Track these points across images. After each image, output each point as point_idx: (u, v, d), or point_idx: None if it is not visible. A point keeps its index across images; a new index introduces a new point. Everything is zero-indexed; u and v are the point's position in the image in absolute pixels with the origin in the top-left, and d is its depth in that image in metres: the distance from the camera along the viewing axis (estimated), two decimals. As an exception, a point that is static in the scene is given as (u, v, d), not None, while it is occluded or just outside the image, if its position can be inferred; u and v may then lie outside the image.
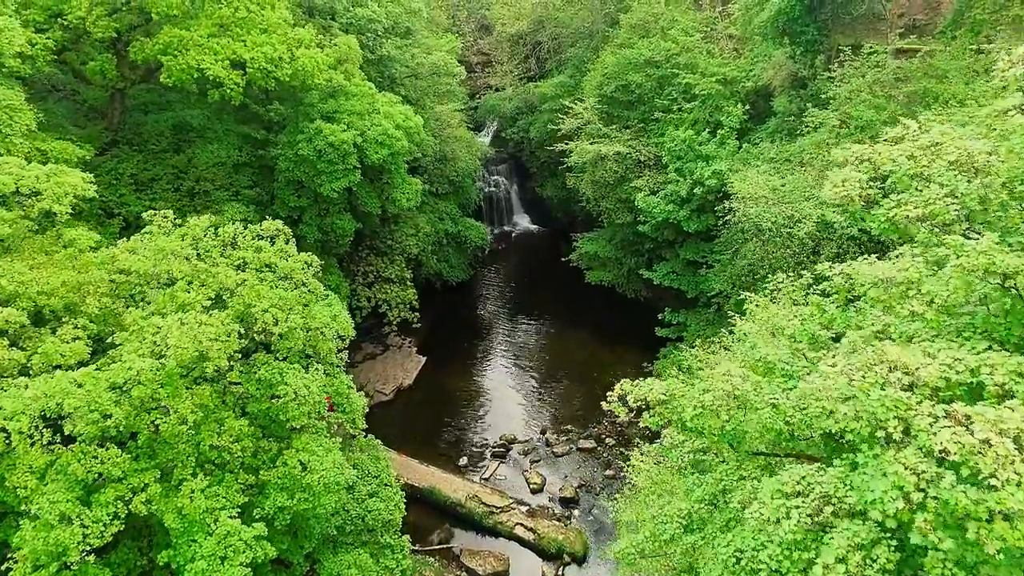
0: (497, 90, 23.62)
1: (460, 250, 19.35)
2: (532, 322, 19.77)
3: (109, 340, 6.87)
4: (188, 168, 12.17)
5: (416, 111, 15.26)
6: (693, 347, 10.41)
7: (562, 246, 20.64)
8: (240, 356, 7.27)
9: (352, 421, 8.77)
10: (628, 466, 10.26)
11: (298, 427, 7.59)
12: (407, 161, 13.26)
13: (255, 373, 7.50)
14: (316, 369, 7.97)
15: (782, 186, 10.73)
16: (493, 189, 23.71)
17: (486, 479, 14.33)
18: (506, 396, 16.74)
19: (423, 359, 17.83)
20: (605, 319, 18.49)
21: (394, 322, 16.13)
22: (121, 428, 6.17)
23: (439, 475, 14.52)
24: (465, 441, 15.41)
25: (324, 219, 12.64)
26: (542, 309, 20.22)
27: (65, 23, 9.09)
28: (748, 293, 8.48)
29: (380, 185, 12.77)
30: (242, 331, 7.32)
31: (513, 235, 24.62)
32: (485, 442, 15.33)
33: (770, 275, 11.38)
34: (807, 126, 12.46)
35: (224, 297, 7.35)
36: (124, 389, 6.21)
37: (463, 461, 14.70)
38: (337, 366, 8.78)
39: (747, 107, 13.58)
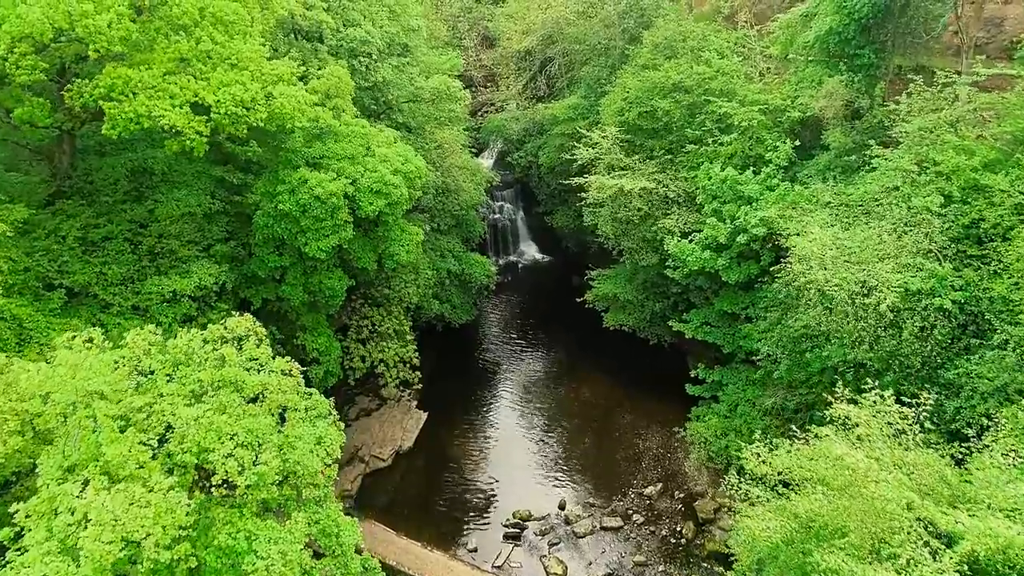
0: (500, 109, 21.69)
1: (464, 289, 17.40)
2: (544, 369, 17.78)
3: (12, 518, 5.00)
4: (149, 221, 10.14)
5: (415, 140, 13.28)
6: (750, 438, 8.43)
7: (574, 279, 18.61)
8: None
9: (344, 567, 6.86)
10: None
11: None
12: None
13: (212, 540, 5.65)
14: (296, 520, 6.13)
15: (858, 248, 8.81)
16: (498, 216, 21.71)
17: (499, 567, 12.49)
18: (518, 460, 14.77)
19: (424, 415, 15.86)
20: (625, 367, 16.49)
21: (391, 383, 14.29)
22: None
23: (444, 562, 12.67)
24: (474, 517, 13.47)
25: (310, 278, 10.64)
26: (554, 353, 18.23)
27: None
28: (836, 399, 6.66)
29: (375, 238, 10.77)
30: (197, 481, 5.48)
31: (520, 265, 22.59)
32: (496, 519, 13.45)
33: (830, 343, 9.63)
34: (869, 166, 10.64)
35: (172, 442, 5.52)
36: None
37: (472, 543, 12.81)
38: (321, 499, 6.89)
39: (794, 140, 11.66)
